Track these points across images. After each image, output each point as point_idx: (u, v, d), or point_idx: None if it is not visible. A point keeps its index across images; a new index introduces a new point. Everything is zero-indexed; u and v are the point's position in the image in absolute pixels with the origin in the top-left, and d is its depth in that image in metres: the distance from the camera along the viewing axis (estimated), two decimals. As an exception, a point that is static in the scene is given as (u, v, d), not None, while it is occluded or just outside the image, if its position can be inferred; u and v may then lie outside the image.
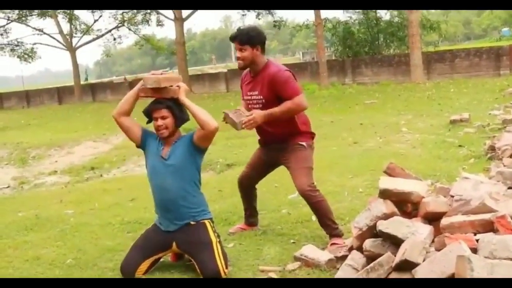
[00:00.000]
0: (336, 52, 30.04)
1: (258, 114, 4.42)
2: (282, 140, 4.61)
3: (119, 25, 35.42)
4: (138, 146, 4.44)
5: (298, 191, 4.56)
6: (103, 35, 36.76)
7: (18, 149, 14.66)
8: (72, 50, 35.62)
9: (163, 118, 4.18)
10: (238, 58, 4.58)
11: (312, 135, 4.74)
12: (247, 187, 5.03)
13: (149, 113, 4.26)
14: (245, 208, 5.12)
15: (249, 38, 4.50)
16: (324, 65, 23.53)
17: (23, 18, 34.62)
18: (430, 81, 21.34)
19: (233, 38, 4.57)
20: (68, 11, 32.58)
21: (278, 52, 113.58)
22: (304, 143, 4.61)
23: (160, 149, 4.27)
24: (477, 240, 3.07)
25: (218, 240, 4.18)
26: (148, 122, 4.36)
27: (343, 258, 3.84)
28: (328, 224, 4.56)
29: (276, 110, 4.43)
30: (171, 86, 4.23)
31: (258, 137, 4.92)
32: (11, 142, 15.65)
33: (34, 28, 36.03)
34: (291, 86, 4.47)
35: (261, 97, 4.55)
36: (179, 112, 4.23)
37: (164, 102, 4.20)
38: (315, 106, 15.91)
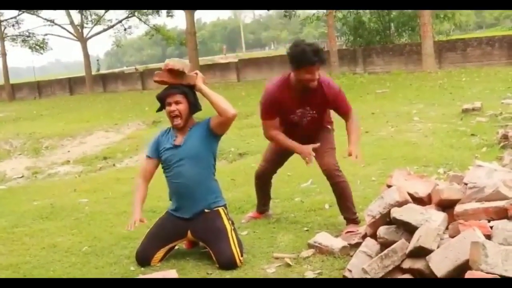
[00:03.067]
0: (347, 41, 29.90)
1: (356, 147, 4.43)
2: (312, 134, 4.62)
3: (130, 15, 35.43)
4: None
5: (325, 170, 4.56)
6: (113, 25, 36.83)
7: (31, 140, 14.77)
8: (83, 40, 35.69)
9: (177, 103, 4.17)
10: (311, 80, 4.31)
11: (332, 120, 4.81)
12: (267, 181, 5.06)
13: (163, 99, 4.25)
14: (260, 198, 5.15)
15: (324, 60, 4.37)
16: (335, 55, 23.46)
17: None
18: (442, 70, 21.19)
19: (317, 62, 4.25)
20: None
21: (288, 42, 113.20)
22: (329, 126, 4.71)
23: (172, 140, 4.29)
24: (491, 227, 3.08)
25: (232, 227, 4.21)
26: (159, 110, 4.37)
27: (357, 245, 3.86)
28: (349, 207, 4.60)
29: (357, 135, 4.56)
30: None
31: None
32: (24, 133, 15.76)
33: (45, 19, 36.17)
34: (345, 101, 4.56)
35: (314, 111, 4.54)
36: (194, 100, 4.24)
37: (179, 87, 4.19)
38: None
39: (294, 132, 4.58)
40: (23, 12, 35.10)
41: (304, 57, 4.24)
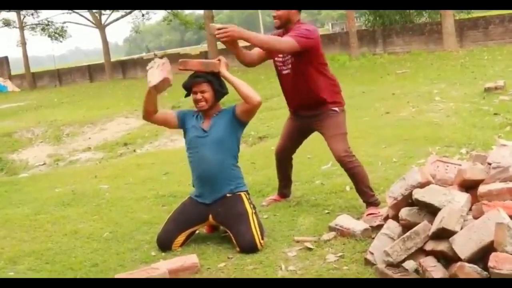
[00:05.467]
0: (366, 22, 29.59)
1: (236, 28, 4.14)
2: (313, 108, 4.57)
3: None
4: (178, 128, 4.46)
5: (335, 157, 4.53)
6: (131, 11, 36.80)
7: (52, 127, 14.87)
8: (101, 27, 35.79)
9: (202, 92, 4.20)
10: (274, 17, 4.46)
11: (343, 101, 4.70)
12: (284, 159, 5.01)
13: (188, 87, 4.28)
14: (280, 179, 5.12)
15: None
16: (354, 36, 23.22)
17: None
18: (463, 49, 20.92)
19: None
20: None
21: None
22: (336, 109, 4.57)
23: (200, 123, 4.31)
24: (516, 207, 3.02)
25: (254, 211, 4.20)
26: (187, 95, 4.39)
27: (379, 227, 3.82)
28: (365, 191, 4.54)
29: (255, 35, 4.28)
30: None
31: (288, 107, 4.88)
32: (45, 121, 15.87)
33: (64, 7, 36.30)
34: (298, 32, 4.32)
35: (289, 56, 4.49)
36: (219, 86, 4.25)
37: (204, 76, 4.21)
38: (346, 76, 15.75)
39: (283, 83, 4.66)
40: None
41: None
